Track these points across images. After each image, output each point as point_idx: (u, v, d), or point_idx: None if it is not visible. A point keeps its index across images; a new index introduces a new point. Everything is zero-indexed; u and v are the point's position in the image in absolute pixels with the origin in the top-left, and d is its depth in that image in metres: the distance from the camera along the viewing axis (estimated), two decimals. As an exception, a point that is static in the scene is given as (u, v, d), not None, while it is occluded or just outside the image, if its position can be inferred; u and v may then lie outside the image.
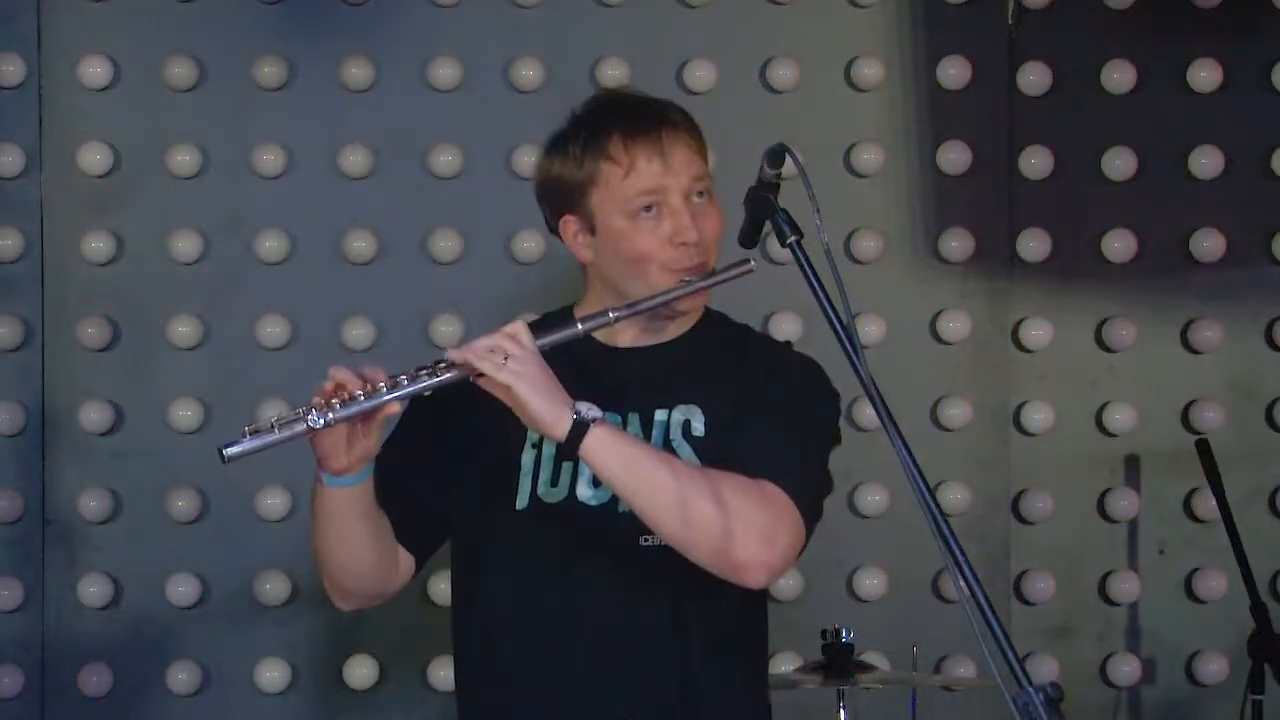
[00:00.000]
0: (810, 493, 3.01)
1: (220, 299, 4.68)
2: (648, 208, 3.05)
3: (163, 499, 4.64)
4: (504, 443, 3.06)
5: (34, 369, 4.66)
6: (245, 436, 2.86)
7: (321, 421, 2.86)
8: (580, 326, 2.97)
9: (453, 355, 2.89)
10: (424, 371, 2.90)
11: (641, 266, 3.05)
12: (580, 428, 2.86)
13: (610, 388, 3.07)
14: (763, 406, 3.04)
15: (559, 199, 3.12)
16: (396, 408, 2.92)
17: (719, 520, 2.89)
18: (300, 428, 2.86)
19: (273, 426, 2.86)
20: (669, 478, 2.89)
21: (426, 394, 2.92)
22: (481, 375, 2.88)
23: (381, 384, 2.88)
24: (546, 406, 2.86)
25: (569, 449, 2.88)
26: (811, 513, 3.01)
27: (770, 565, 2.95)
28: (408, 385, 2.89)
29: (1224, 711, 4.68)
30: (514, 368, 2.86)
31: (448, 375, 2.89)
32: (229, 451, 2.86)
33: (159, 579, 4.64)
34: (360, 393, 2.87)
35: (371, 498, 3.03)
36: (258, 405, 4.52)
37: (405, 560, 3.14)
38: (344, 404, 2.87)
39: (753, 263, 3.03)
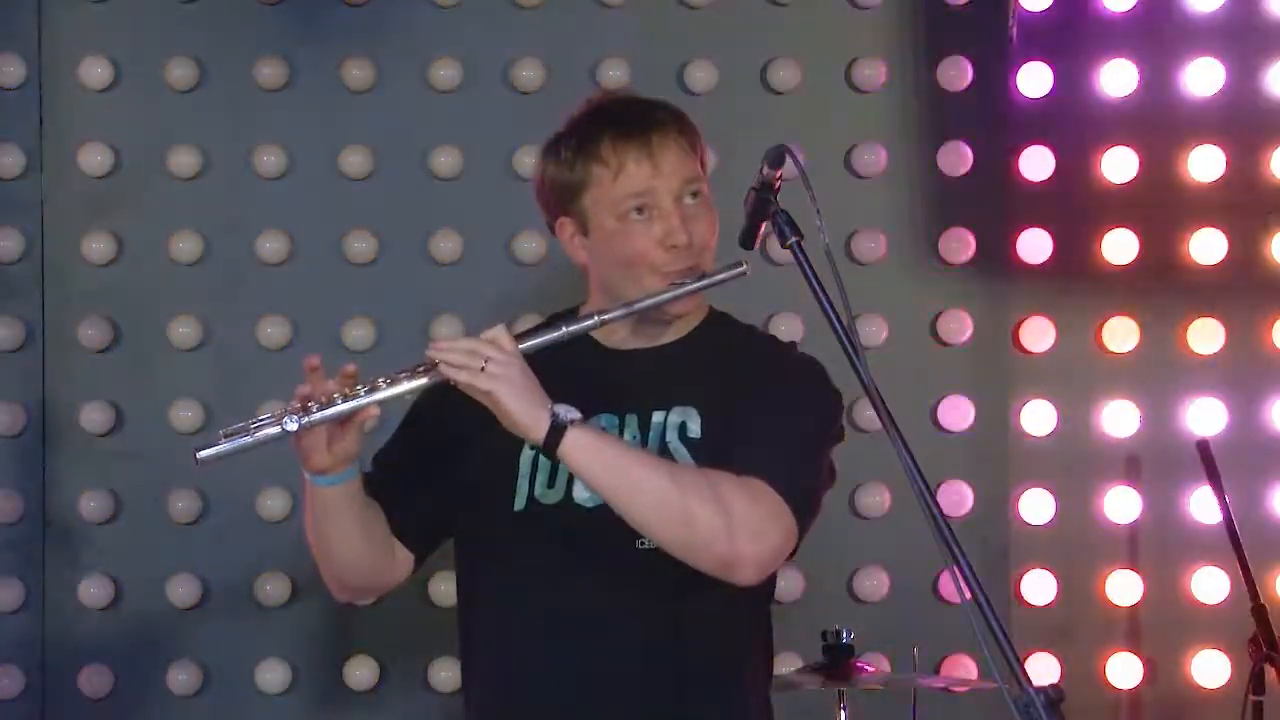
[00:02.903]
0: (803, 490, 3.00)
1: (221, 300, 4.68)
2: (638, 210, 3.06)
3: (163, 499, 4.64)
4: (503, 444, 3.06)
5: (34, 369, 4.66)
6: (221, 439, 2.87)
7: (296, 425, 2.87)
8: (564, 329, 2.98)
9: (431, 354, 2.89)
10: (403, 374, 2.91)
11: (632, 269, 3.06)
12: (558, 430, 2.86)
13: (609, 390, 3.07)
14: (757, 404, 3.04)
15: (554, 201, 3.14)
16: (375, 411, 2.92)
17: (705, 518, 2.89)
18: (275, 431, 2.87)
19: (248, 430, 2.87)
20: (651, 477, 2.90)
21: (407, 397, 2.93)
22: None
23: (360, 387, 2.89)
24: (524, 409, 2.87)
25: (548, 451, 2.88)
26: (804, 509, 3.00)
27: (760, 561, 2.95)
28: (386, 388, 2.90)
29: (1224, 713, 4.68)
30: (492, 371, 2.87)
31: (425, 379, 2.90)
32: (202, 454, 2.87)
33: (159, 579, 4.64)
34: (338, 395, 2.88)
35: (358, 496, 3.04)
36: (258, 406, 4.52)
37: (403, 555, 3.15)
38: (321, 407, 2.88)
39: (745, 265, 3.03)
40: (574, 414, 2.88)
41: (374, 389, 2.90)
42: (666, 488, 2.89)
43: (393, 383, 2.90)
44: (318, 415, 2.88)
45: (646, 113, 3.12)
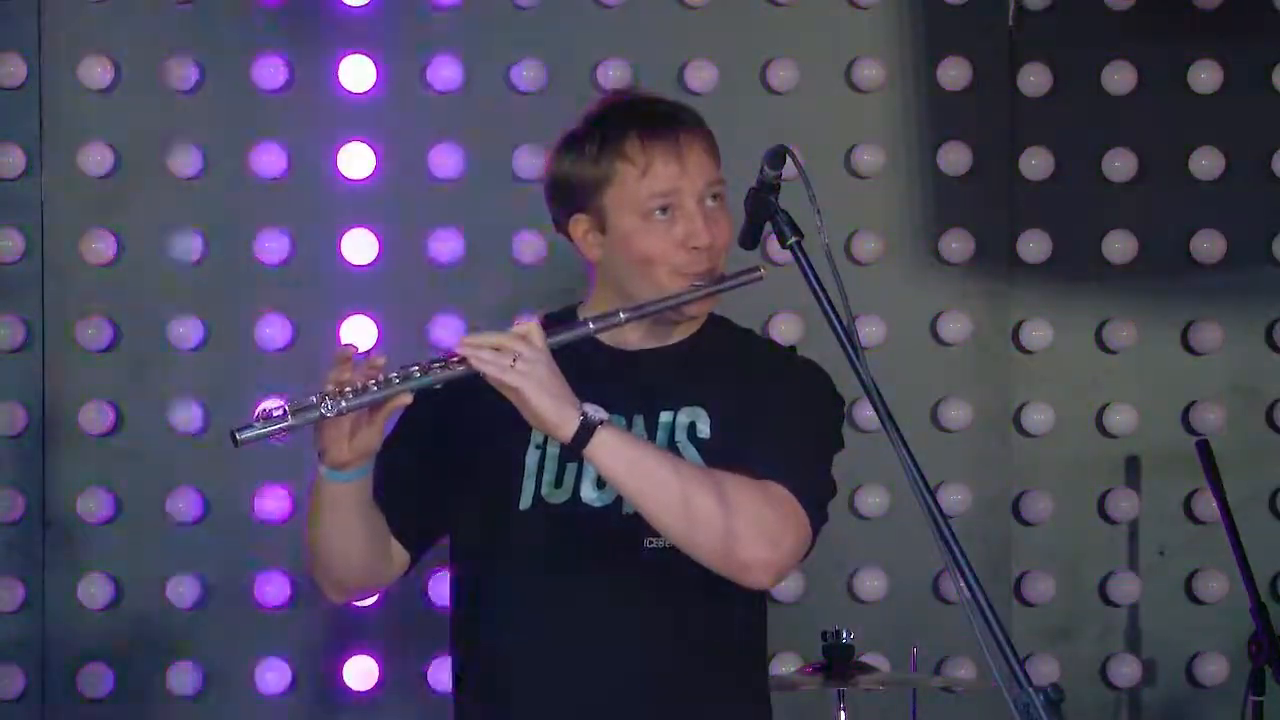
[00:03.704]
0: (815, 494, 3.01)
1: (220, 299, 4.68)
2: (662, 209, 3.04)
3: (163, 499, 4.64)
4: (508, 442, 3.05)
5: (34, 369, 4.66)
6: (258, 422, 2.85)
7: (334, 410, 2.85)
8: (591, 326, 2.97)
9: (461, 350, 2.88)
10: (436, 364, 2.89)
11: (651, 268, 3.04)
12: (587, 430, 2.86)
13: (616, 389, 3.06)
14: (768, 409, 3.04)
15: (571, 197, 3.10)
16: (408, 399, 2.91)
17: (724, 521, 2.89)
18: (313, 415, 2.85)
19: (286, 413, 2.85)
20: (674, 479, 2.89)
21: (437, 387, 2.92)
22: None
23: (394, 375, 2.88)
24: (554, 408, 2.86)
25: (574, 451, 2.88)
26: (817, 514, 3.00)
27: (776, 565, 2.95)
28: (420, 377, 2.88)
29: (1224, 713, 4.68)
30: (522, 368, 2.85)
31: (460, 369, 2.88)
32: (242, 435, 2.85)
33: (159, 579, 4.64)
34: (373, 383, 2.87)
35: (368, 494, 3.02)
36: (258, 406, 4.52)
37: (399, 554, 3.14)
38: (356, 394, 2.86)
39: (762, 270, 3.02)
40: (602, 414, 2.88)
41: (407, 377, 2.88)
42: (689, 491, 2.89)
43: (425, 372, 2.89)
44: (355, 401, 2.86)
45: (673, 112, 3.10)
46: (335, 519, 3.03)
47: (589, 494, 3.05)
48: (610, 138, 3.05)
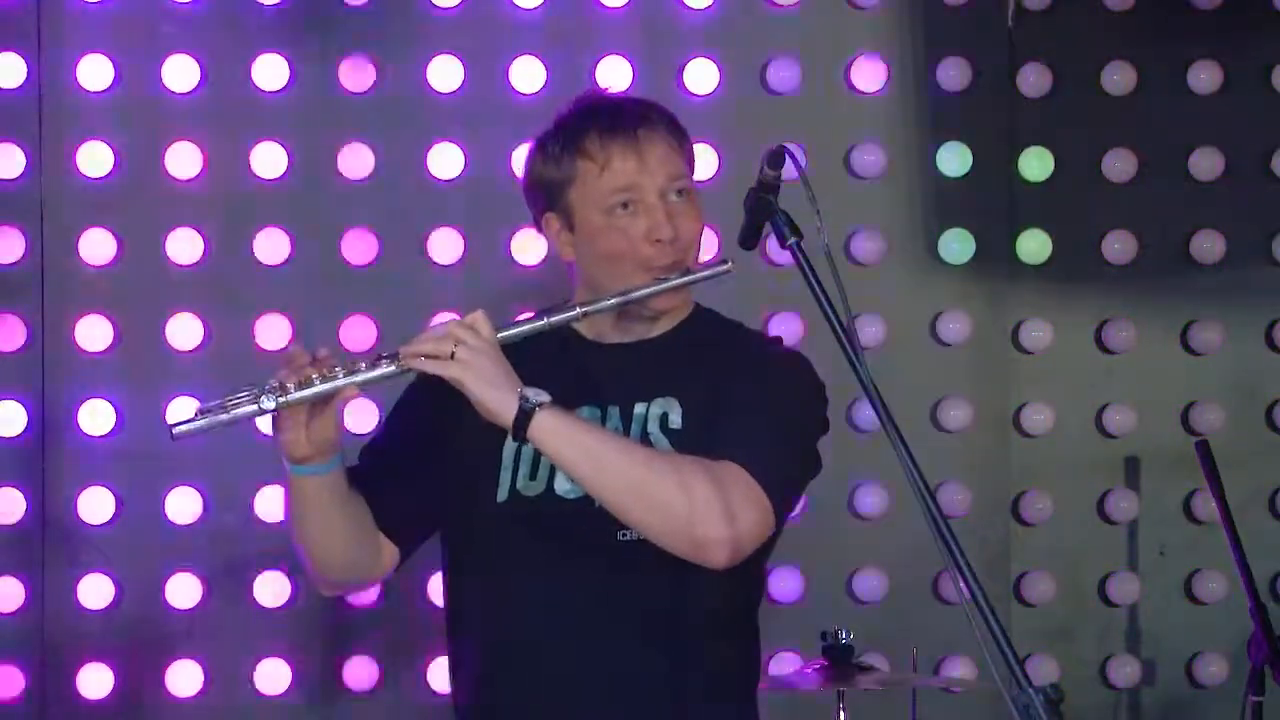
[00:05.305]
0: (779, 474, 2.99)
1: (221, 300, 4.68)
2: (624, 205, 3.07)
3: (163, 499, 4.64)
4: (487, 437, 3.05)
5: (34, 369, 4.66)
6: (196, 415, 2.87)
7: (273, 403, 2.86)
8: (545, 320, 2.99)
9: (404, 352, 2.90)
10: (383, 359, 2.91)
11: (617, 263, 3.07)
12: (526, 413, 2.87)
13: (591, 382, 3.08)
14: (736, 394, 3.04)
15: (541, 197, 3.15)
16: (354, 393, 2.91)
17: (677, 500, 2.90)
18: (251, 409, 2.87)
19: (224, 407, 2.87)
20: (623, 459, 2.90)
21: (385, 382, 2.93)
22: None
23: (338, 369, 2.89)
24: (492, 395, 2.87)
25: (518, 434, 2.89)
26: (780, 494, 2.99)
27: (733, 543, 2.94)
28: (365, 371, 2.89)
29: (1224, 713, 4.68)
30: (462, 356, 2.88)
31: (399, 365, 2.90)
32: (178, 429, 2.87)
33: (159, 579, 4.64)
34: (316, 377, 2.88)
35: (341, 488, 3.03)
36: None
37: (388, 550, 3.14)
38: (298, 387, 2.88)
39: (730, 263, 3.04)
40: (543, 397, 2.88)
41: (352, 372, 2.89)
42: (637, 470, 2.90)
43: (371, 366, 2.90)
44: (295, 395, 2.87)
45: (634, 110, 3.13)
46: (310, 514, 3.03)
47: (562, 486, 3.06)
48: (572, 137, 3.09)
